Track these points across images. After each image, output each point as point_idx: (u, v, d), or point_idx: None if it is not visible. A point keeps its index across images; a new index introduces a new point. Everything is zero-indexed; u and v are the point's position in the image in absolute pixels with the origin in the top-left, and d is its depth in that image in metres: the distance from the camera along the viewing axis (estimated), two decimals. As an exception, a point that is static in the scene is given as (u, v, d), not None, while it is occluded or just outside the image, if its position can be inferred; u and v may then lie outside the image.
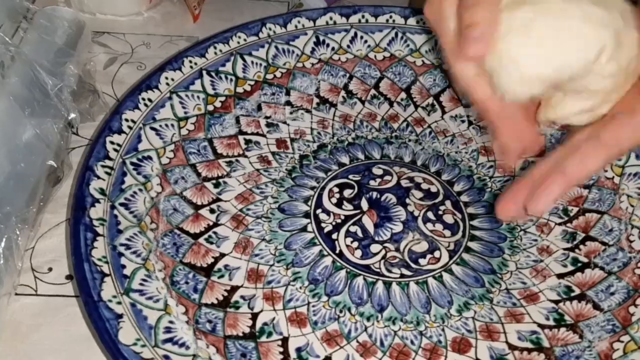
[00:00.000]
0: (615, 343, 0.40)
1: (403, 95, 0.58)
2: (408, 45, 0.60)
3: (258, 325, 0.41)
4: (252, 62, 0.56)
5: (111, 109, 0.54)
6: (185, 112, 0.51)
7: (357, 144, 0.54)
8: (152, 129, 0.49)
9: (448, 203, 0.50)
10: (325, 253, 0.45)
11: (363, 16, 0.59)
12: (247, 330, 0.40)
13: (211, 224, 0.46)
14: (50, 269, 0.44)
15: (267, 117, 0.55)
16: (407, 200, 0.49)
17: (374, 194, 0.50)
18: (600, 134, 0.33)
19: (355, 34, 0.59)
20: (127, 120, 0.47)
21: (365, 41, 0.59)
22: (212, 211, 0.47)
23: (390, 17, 0.60)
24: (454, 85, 0.36)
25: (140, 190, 0.45)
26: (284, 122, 0.55)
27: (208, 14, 0.68)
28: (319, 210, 0.48)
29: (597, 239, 0.47)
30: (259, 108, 0.55)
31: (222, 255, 0.44)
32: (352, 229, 0.47)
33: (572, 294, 0.44)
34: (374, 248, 0.46)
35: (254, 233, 0.46)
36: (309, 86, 0.57)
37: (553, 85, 0.34)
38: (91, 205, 0.41)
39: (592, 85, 0.33)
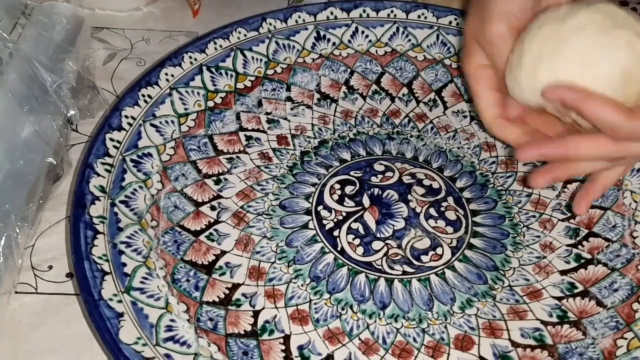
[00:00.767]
0: (619, 340, 0.40)
1: (405, 90, 0.58)
2: (409, 40, 0.59)
3: (260, 323, 0.40)
4: (253, 58, 0.56)
5: (111, 105, 0.54)
6: (186, 109, 0.51)
7: (358, 140, 0.53)
8: (152, 125, 0.48)
9: (450, 199, 0.49)
10: (327, 250, 0.45)
11: (364, 11, 0.59)
12: (249, 328, 0.40)
13: (212, 221, 0.46)
14: (50, 267, 0.44)
15: (267, 113, 0.54)
16: (409, 197, 0.49)
17: (376, 191, 0.49)
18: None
19: (356, 28, 0.59)
20: (126, 116, 0.47)
21: (367, 36, 0.59)
22: (212, 208, 0.47)
23: (392, 11, 0.59)
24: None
25: (141, 187, 0.45)
26: (285, 118, 0.54)
27: (208, 9, 0.67)
28: (320, 207, 0.48)
29: (601, 235, 0.47)
30: (260, 104, 0.55)
31: (223, 252, 0.44)
32: (354, 225, 0.47)
33: (576, 291, 0.44)
34: (376, 245, 0.46)
35: (255, 230, 0.46)
36: (310, 82, 0.57)
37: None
38: (91, 203, 0.41)
39: None
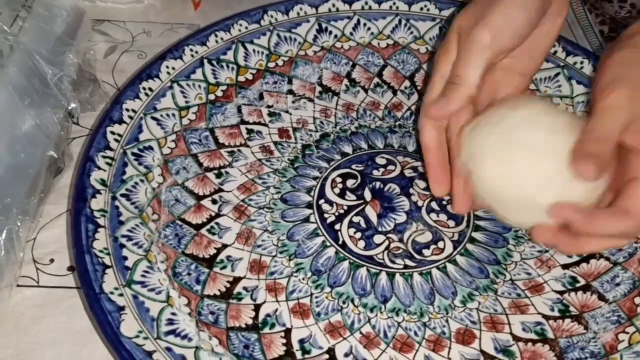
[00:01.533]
0: (621, 334, 0.40)
1: (407, 83, 0.58)
2: (412, 33, 0.59)
3: (261, 316, 0.40)
4: (254, 50, 0.55)
5: (111, 98, 0.54)
6: (187, 102, 0.51)
7: (360, 133, 0.53)
8: (153, 118, 0.48)
9: (452, 193, 0.49)
10: (328, 244, 0.45)
11: (366, 3, 0.59)
12: (250, 321, 0.40)
13: (213, 214, 0.46)
14: (51, 260, 0.44)
15: (269, 106, 0.54)
16: (411, 190, 0.49)
17: (377, 184, 0.49)
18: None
19: (358, 21, 0.59)
20: (127, 110, 0.47)
21: (369, 28, 0.59)
22: (214, 202, 0.47)
23: (394, 3, 0.59)
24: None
25: (142, 180, 0.45)
26: (286, 111, 0.54)
27: (208, 1, 0.67)
28: (321, 201, 0.48)
29: (603, 229, 0.47)
30: (261, 97, 0.54)
31: (225, 246, 0.44)
32: (355, 219, 0.47)
33: (577, 285, 0.44)
34: (378, 239, 0.46)
35: (256, 224, 0.46)
36: (312, 74, 0.57)
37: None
38: (92, 196, 0.41)
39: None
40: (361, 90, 0.57)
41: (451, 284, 0.43)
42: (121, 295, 0.37)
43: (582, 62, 0.55)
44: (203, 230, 0.45)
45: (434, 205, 0.48)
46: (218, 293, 0.41)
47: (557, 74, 0.55)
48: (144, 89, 0.49)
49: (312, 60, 0.57)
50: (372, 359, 0.39)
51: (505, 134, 0.37)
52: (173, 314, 0.38)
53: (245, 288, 0.42)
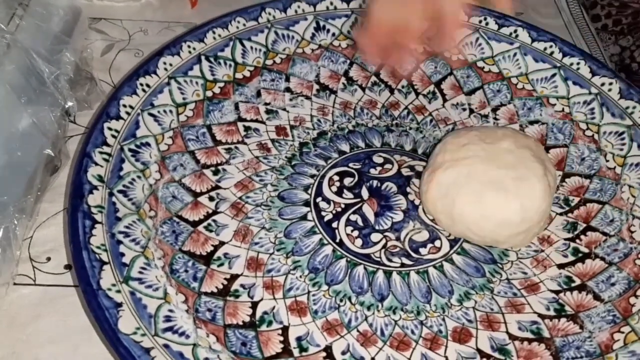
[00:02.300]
0: (616, 334, 0.40)
1: (404, 82, 0.58)
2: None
3: (258, 314, 0.40)
4: (252, 48, 0.55)
5: (108, 94, 0.54)
6: (184, 98, 0.51)
7: (357, 132, 0.53)
8: (151, 115, 0.48)
9: (449, 192, 0.49)
10: (326, 242, 0.45)
11: (364, 1, 0.59)
12: (247, 319, 0.40)
13: (210, 211, 0.46)
14: (48, 259, 0.44)
15: (266, 104, 0.54)
16: (408, 189, 0.49)
17: (375, 183, 0.49)
18: None
19: (356, 19, 0.59)
20: (124, 106, 0.47)
21: (366, 27, 0.59)
22: (211, 199, 0.47)
23: (391, 3, 0.59)
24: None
25: (139, 177, 0.44)
26: (284, 109, 0.54)
27: (205, 0, 0.67)
28: (319, 199, 0.48)
29: (598, 230, 0.47)
30: (259, 94, 0.54)
31: (222, 243, 0.44)
32: (353, 217, 0.47)
33: (573, 285, 0.44)
34: (375, 237, 0.46)
35: (253, 221, 0.46)
36: (309, 72, 0.57)
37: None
38: (89, 192, 0.41)
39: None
40: (358, 89, 0.57)
41: (448, 282, 0.44)
42: (119, 291, 0.37)
43: (578, 63, 0.55)
44: (200, 228, 0.45)
45: (430, 204, 0.48)
46: (215, 290, 0.41)
47: (554, 75, 0.56)
48: (141, 85, 0.49)
49: (310, 58, 0.57)
50: (369, 357, 0.39)
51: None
52: (170, 310, 0.38)
53: (242, 285, 0.42)
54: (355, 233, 0.46)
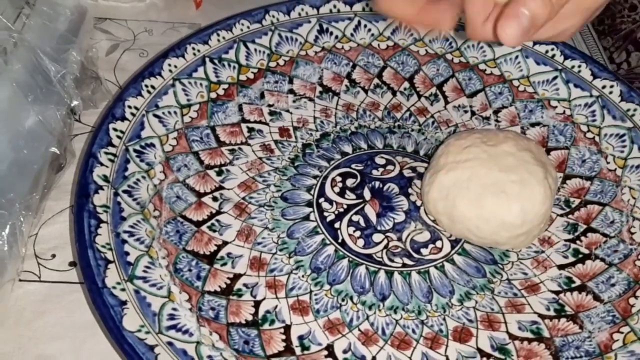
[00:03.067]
0: (615, 334, 0.41)
1: (406, 84, 0.58)
2: (412, 34, 0.59)
3: (261, 313, 0.41)
4: (255, 50, 0.56)
5: (114, 95, 0.54)
6: (188, 100, 0.51)
7: (359, 133, 0.54)
8: (155, 116, 0.49)
9: (450, 193, 0.50)
10: (328, 242, 0.46)
11: (367, 4, 0.59)
12: (250, 317, 0.40)
13: (214, 211, 0.46)
14: (53, 256, 0.44)
15: (270, 105, 0.54)
16: (410, 190, 0.50)
17: (377, 184, 0.50)
18: None
19: (359, 22, 0.59)
20: (130, 107, 0.47)
21: (369, 30, 0.59)
22: (215, 199, 0.47)
23: (394, 5, 0.59)
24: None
25: (144, 177, 0.45)
26: (287, 111, 0.55)
27: (210, 1, 0.67)
28: (321, 199, 0.48)
29: (599, 231, 0.48)
30: (262, 96, 0.55)
31: (225, 243, 0.45)
32: (355, 218, 0.47)
33: (573, 285, 0.44)
34: (376, 237, 0.46)
35: (256, 221, 0.46)
36: (312, 74, 0.57)
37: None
38: (95, 192, 0.41)
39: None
40: (361, 91, 0.57)
41: (449, 282, 0.44)
42: (123, 290, 0.37)
43: (579, 66, 0.56)
44: (204, 227, 0.45)
45: (432, 205, 0.49)
46: (218, 289, 0.42)
47: (555, 77, 0.56)
48: (146, 86, 0.49)
49: (313, 60, 0.58)
50: (371, 355, 0.40)
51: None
52: (174, 309, 0.38)
53: (245, 285, 0.42)
54: (358, 233, 0.46)
